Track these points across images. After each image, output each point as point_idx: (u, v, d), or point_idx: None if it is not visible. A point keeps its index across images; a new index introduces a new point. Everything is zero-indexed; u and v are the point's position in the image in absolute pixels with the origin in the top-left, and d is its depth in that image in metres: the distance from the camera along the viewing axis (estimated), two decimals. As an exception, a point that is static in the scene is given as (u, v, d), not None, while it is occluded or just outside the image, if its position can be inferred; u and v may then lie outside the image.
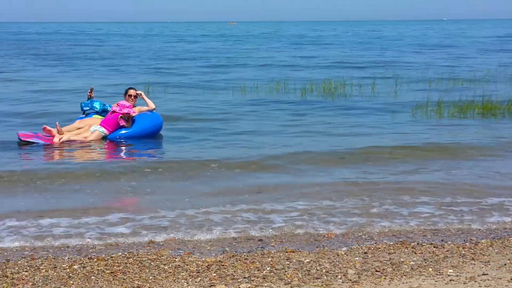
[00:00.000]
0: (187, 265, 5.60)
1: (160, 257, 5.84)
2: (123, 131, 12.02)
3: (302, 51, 41.33)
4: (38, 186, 8.65)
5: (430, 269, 5.42)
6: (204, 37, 72.86)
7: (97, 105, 12.53)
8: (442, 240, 6.44)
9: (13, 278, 5.25)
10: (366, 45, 49.71)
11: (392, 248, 6.09)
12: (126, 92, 12.56)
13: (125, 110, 12.06)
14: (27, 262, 5.69)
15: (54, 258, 5.80)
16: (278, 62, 31.94)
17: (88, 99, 12.79)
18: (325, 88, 19.24)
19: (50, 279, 5.23)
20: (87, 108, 12.61)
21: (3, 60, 33.73)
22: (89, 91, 12.90)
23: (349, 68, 27.68)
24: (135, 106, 12.48)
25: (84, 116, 12.58)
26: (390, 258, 5.74)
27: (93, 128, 11.97)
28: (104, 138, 11.95)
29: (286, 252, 5.98)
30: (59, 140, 11.63)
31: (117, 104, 12.19)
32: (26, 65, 30.08)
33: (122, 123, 11.99)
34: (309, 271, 5.40)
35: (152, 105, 12.56)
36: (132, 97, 12.48)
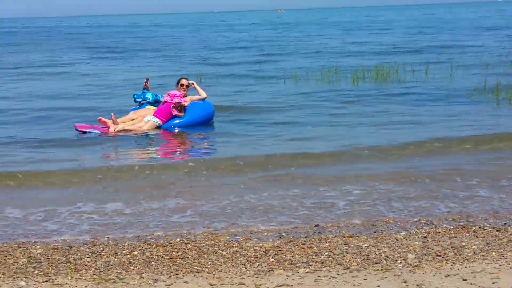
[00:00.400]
0: (245, 250, 5.65)
1: (217, 242, 5.90)
2: (177, 121, 12.16)
3: (354, 37, 40.97)
4: (98, 178, 8.78)
5: (494, 253, 5.34)
6: (254, 25, 72.81)
7: (149, 96, 12.69)
8: (505, 223, 6.34)
9: (76, 264, 5.37)
10: (420, 29, 48.85)
11: (452, 232, 6.02)
12: (178, 82, 12.71)
13: (176, 100, 12.19)
14: (88, 248, 5.83)
15: (115, 244, 5.92)
16: (329, 49, 31.77)
17: (144, 89, 12.97)
18: (378, 75, 19.01)
19: (112, 265, 5.34)
20: (140, 99, 12.80)
21: (56, 54, 34.39)
22: (145, 81, 13.07)
23: (404, 53, 27.29)
24: (187, 96, 12.61)
25: (137, 107, 12.76)
26: (451, 243, 5.67)
27: (146, 118, 12.14)
28: (158, 127, 12.11)
29: (344, 237, 5.97)
30: (114, 129, 11.84)
31: (168, 94, 12.34)
32: (82, 58, 30.60)
33: (175, 112, 12.11)
34: (368, 255, 5.38)
35: (203, 94, 12.67)
36: (184, 87, 12.62)
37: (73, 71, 24.19)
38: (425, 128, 11.59)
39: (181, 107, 12.24)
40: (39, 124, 13.15)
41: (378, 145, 10.08)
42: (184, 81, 12.66)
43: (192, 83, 12.70)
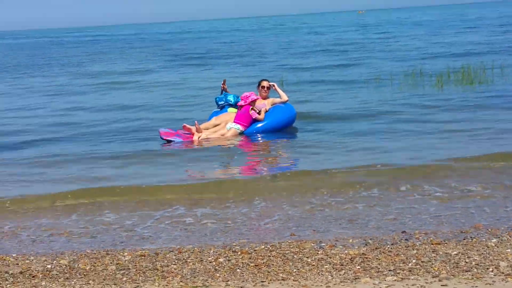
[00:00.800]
0: (330, 257, 5.61)
1: (302, 250, 5.89)
2: (259, 125, 12.20)
3: (438, 37, 40.14)
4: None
5: None
6: (336, 28, 72.33)
7: (231, 98, 12.82)
8: None
9: (163, 271, 5.47)
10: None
11: (546, 239, 5.82)
12: (259, 83, 12.79)
13: (249, 99, 12.21)
14: (175, 255, 5.92)
15: (200, 252, 5.99)
16: (413, 50, 31.26)
17: (222, 91, 13.12)
18: (464, 76, 18.56)
19: (198, 272, 5.40)
20: (222, 102, 12.94)
21: (141, 61, 35.19)
22: (222, 83, 13.21)
23: (490, 53, 26.52)
24: (268, 98, 12.70)
25: (219, 110, 12.90)
26: (544, 250, 5.49)
27: (229, 125, 12.23)
28: (240, 133, 12.20)
29: (432, 244, 5.86)
30: (198, 138, 12.00)
31: (241, 98, 12.39)
32: (167, 66, 31.22)
33: (254, 115, 12.14)
34: (458, 263, 5.26)
35: (285, 97, 12.67)
36: (265, 89, 12.70)
37: (158, 80, 24.70)
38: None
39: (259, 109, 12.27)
40: (122, 135, 13.31)
41: (468, 156, 9.62)
42: (265, 83, 12.73)
43: (273, 85, 12.72)
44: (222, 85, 13.16)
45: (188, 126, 12.20)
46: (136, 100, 18.82)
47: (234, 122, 12.22)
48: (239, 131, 12.18)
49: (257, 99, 12.36)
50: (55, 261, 5.90)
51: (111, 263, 5.78)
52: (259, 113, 12.19)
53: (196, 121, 12.25)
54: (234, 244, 6.22)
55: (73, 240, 6.64)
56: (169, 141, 12.01)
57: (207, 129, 12.30)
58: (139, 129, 13.86)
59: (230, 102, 12.79)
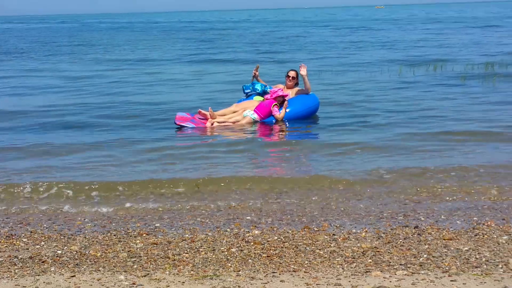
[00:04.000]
0: (342, 250, 5.81)
1: (315, 241, 6.09)
2: (287, 110, 12.43)
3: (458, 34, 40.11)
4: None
5: None
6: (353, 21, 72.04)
7: (258, 87, 13.02)
8: None
9: (174, 260, 5.69)
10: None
11: (558, 237, 5.99)
12: (287, 73, 13.06)
13: (276, 94, 12.44)
14: (187, 244, 6.14)
15: (213, 241, 6.21)
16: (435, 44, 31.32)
17: (253, 77, 13.32)
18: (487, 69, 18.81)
19: (209, 261, 5.62)
20: (249, 90, 13.17)
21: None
22: (255, 69, 13.41)
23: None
24: (294, 88, 12.95)
25: (245, 98, 13.12)
26: (556, 248, 5.66)
27: (245, 113, 12.46)
28: (255, 122, 12.40)
29: (444, 239, 6.04)
30: (211, 124, 12.24)
31: (270, 92, 12.63)
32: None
33: (275, 112, 12.35)
34: (468, 259, 5.44)
35: (308, 87, 12.88)
36: (290, 78, 12.98)
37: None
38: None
39: (283, 103, 12.46)
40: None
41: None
42: (292, 73, 13.02)
43: (303, 74, 12.79)
44: (254, 71, 13.36)
45: (203, 111, 12.44)
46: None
47: (254, 110, 12.42)
48: (254, 119, 12.38)
49: (285, 95, 12.52)
50: (66, 247, 6.12)
51: (122, 250, 5.99)
52: (280, 109, 12.38)
53: (210, 107, 12.49)
54: (247, 234, 6.42)
55: (86, 228, 6.85)
56: (182, 126, 12.24)
57: (225, 115, 12.53)
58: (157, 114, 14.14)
59: (258, 91, 12.98)
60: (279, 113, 12.38)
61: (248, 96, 13.12)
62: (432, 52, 27.60)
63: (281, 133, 12.00)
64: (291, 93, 12.91)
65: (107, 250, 6.02)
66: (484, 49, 28.30)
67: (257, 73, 13.31)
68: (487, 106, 14.06)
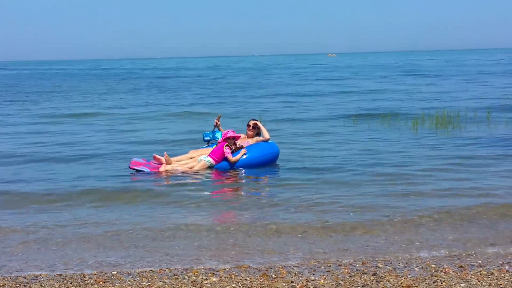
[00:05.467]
0: (301, 298, 5.86)
1: (273, 290, 6.13)
2: (244, 156, 12.47)
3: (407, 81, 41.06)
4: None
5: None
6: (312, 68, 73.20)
7: (219, 136, 13.10)
8: None
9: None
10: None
11: (514, 285, 6.14)
12: (248, 123, 13.24)
13: (227, 135, 12.52)
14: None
15: (171, 289, 6.18)
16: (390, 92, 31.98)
17: (215, 127, 13.39)
18: (438, 120, 19.27)
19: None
20: (209, 138, 13.24)
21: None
22: (216, 119, 13.48)
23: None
24: (255, 137, 13.11)
25: (206, 146, 13.17)
26: (512, 296, 5.80)
27: (200, 157, 12.51)
28: (211, 167, 12.43)
29: (402, 286, 6.14)
30: (165, 169, 12.28)
31: (222, 135, 12.74)
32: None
33: (227, 153, 12.38)
34: (427, 307, 5.54)
35: (266, 135, 13.09)
36: (250, 127, 13.12)
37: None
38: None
39: (234, 145, 12.53)
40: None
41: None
42: (251, 122, 13.18)
43: (256, 123, 13.08)
44: (216, 121, 13.43)
45: (158, 156, 12.49)
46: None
47: (208, 155, 12.48)
48: (209, 164, 12.43)
49: (235, 136, 12.63)
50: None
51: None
52: (231, 151, 12.42)
53: (165, 152, 12.53)
54: (206, 282, 6.42)
55: (42, 276, 6.77)
56: (138, 171, 12.23)
57: (181, 160, 12.58)
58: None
59: (218, 139, 13.06)
60: (232, 156, 12.39)
61: (209, 145, 13.18)
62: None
63: (234, 179, 12.01)
64: (251, 142, 13.04)
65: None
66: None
67: (218, 122, 13.41)
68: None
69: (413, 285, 6.20)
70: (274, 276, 6.58)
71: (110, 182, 11.54)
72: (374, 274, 6.62)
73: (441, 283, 6.25)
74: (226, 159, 12.45)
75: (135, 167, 12.33)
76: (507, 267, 6.77)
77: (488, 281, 6.27)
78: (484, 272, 6.61)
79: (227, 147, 12.45)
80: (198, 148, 13.22)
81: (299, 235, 8.17)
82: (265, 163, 12.82)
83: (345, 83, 44.48)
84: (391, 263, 7.02)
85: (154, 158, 12.53)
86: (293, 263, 7.09)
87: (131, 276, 6.64)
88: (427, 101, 26.91)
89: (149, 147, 15.77)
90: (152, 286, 6.27)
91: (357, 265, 6.94)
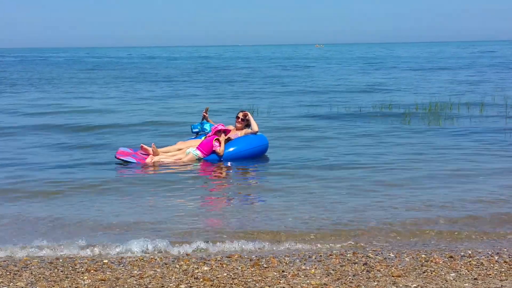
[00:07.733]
0: (292, 287, 5.97)
1: (264, 278, 6.24)
2: (230, 148, 12.56)
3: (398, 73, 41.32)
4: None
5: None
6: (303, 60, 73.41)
7: (207, 127, 13.16)
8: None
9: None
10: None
11: (503, 275, 6.28)
12: (237, 115, 13.28)
13: (217, 128, 12.60)
14: (136, 280, 6.18)
15: (162, 278, 6.28)
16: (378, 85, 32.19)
17: (203, 119, 13.45)
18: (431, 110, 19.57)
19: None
20: (197, 129, 13.30)
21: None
22: (204, 111, 13.55)
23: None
24: (244, 129, 13.15)
25: (194, 137, 13.23)
26: (501, 286, 5.93)
27: (188, 150, 12.58)
28: (199, 160, 12.51)
29: (392, 276, 6.27)
30: (151, 160, 12.33)
31: (212, 128, 12.81)
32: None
33: (216, 146, 12.46)
34: (417, 296, 5.67)
35: (255, 127, 13.08)
36: (239, 120, 13.16)
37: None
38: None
39: (223, 138, 12.60)
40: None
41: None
42: (240, 114, 13.19)
43: (246, 114, 13.13)
44: (203, 113, 13.49)
45: (145, 147, 12.54)
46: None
47: (197, 148, 12.54)
48: (197, 157, 12.50)
49: (225, 130, 12.70)
50: (11, 283, 6.11)
51: (69, 286, 6.01)
52: (220, 145, 12.48)
53: (153, 143, 12.58)
54: (196, 271, 6.53)
55: (32, 264, 6.85)
56: (125, 162, 12.28)
57: (168, 152, 12.63)
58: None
59: (206, 131, 13.12)
60: (220, 149, 12.46)
61: (198, 136, 13.25)
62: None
63: (222, 171, 12.11)
64: (239, 134, 13.09)
65: (53, 286, 6.04)
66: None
67: (206, 114, 13.47)
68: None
69: (403, 275, 6.33)
70: (265, 266, 6.69)
71: (96, 172, 11.67)
72: (365, 264, 6.74)
73: (431, 273, 6.38)
74: (214, 152, 12.54)
75: (122, 157, 12.37)
76: (496, 257, 6.92)
77: (478, 271, 6.41)
78: (474, 262, 6.75)
79: (216, 141, 12.53)
80: (186, 140, 13.27)
81: (289, 223, 8.34)
82: (254, 155, 12.90)
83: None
84: (381, 253, 7.16)
85: (142, 148, 12.60)
86: (284, 252, 7.22)
87: (122, 265, 6.73)
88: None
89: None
90: (143, 275, 6.36)
91: (348, 255, 7.07)
